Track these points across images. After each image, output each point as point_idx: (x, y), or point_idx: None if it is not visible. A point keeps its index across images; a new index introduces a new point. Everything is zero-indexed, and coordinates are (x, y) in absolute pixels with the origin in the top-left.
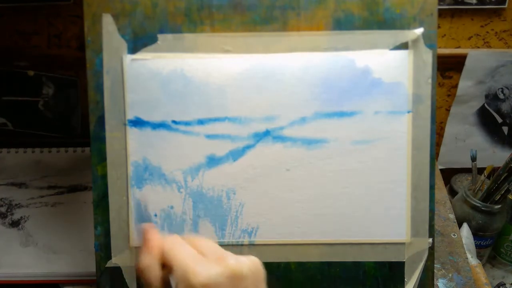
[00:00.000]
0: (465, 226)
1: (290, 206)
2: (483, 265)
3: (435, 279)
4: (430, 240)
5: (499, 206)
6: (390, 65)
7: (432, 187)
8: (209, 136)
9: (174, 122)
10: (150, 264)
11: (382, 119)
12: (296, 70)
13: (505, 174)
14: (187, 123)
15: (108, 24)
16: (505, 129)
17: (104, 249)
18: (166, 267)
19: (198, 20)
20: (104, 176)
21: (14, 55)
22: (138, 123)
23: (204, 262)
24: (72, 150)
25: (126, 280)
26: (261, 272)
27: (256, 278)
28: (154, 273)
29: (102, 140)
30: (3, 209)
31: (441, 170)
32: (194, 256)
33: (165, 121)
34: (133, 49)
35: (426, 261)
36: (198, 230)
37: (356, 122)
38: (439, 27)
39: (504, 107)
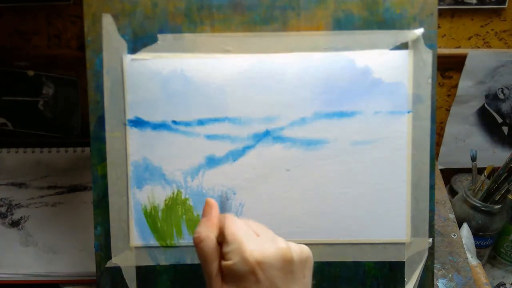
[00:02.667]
0: (465, 226)
1: (290, 206)
2: (483, 265)
3: (435, 279)
4: (430, 240)
5: (499, 206)
6: (390, 65)
7: (432, 187)
8: (209, 137)
9: (174, 122)
10: (208, 235)
11: (382, 119)
12: (296, 70)
13: (505, 174)
14: (187, 124)
15: (108, 24)
16: (505, 129)
17: (104, 249)
18: (222, 241)
19: (198, 20)
20: (104, 176)
21: (14, 55)
22: (138, 123)
23: (259, 240)
24: (72, 150)
25: (126, 280)
26: (310, 260)
27: (304, 265)
28: (211, 244)
29: (102, 140)
30: (3, 209)
31: (441, 170)
32: (250, 233)
33: (165, 121)
34: (133, 49)
35: (426, 261)
36: None
37: (356, 122)
38: (439, 27)
39: (504, 107)
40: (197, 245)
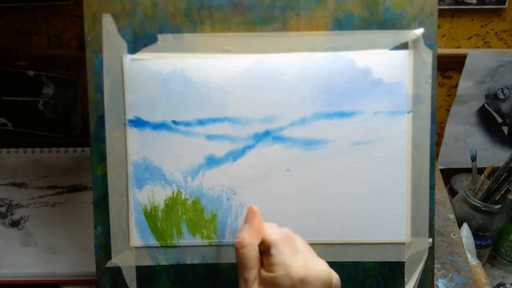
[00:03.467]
0: (465, 226)
1: (290, 206)
2: (483, 265)
3: (435, 279)
4: (430, 240)
5: (499, 206)
6: (390, 65)
7: (432, 187)
8: (209, 137)
9: (174, 122)
10: (251, 242)
11: (382, 119)
12: (296, 70)
13: (505, 174)
14: (187, 124)
15: (108, 24)
16: (505, 129)
17: (104, 249)
18: (264, 250)
19: (198, 20)
20: (104, 176)
21: (14, 55)
22: (138, 123)
23: (302, 257)
24: (72, 150)
25: (126, 280)
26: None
27: None
28: (253, 251)
29: (102, 140)
30: (3, 209)
31: (441, 170)
32: (294, 248)
33: (165, 121)
34: (133, 49)
35: (426, 261)
36: None
37: (356, 122)
38: (439, 27)
39: (504, 107)
40: (239, 250)
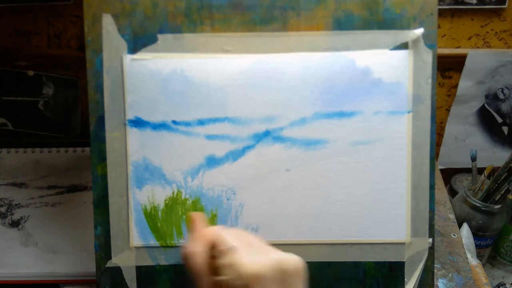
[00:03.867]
0: (465, 226)
1: (290, 206)
2: (483, 265)
3: (435, 279)
4: (430, 240)
5: (499, 206)
6: (390, 65)
7: (432, 187)
8: (209, 137)
9: (174, 122)
10: (196, 251)
11: (382, 119)
12: (296, 70)
13: (505, 174)
14: (187, 124)
15: (108, 24)
16: (505, 129)
17: (104, 249)
18: (213, 255)
19: (198, 20)
20: (104, 176)
21: (14, 55)
22: (138, 123)
23: (252, 252)
24: (72, 150)
25: (126, 280)
26: (302, 270)
27: (298, 275)
28: (199, 259)
29: (102, 140)
30: (3, 209)
31: (441, 170)
32: (242, 245)
33: (165, 121)
34: (133, 49)
35: (426, 261)
36: None
37: (356, 122)
38: (439, 27)
39: (504, 107)
40: (186, 261)
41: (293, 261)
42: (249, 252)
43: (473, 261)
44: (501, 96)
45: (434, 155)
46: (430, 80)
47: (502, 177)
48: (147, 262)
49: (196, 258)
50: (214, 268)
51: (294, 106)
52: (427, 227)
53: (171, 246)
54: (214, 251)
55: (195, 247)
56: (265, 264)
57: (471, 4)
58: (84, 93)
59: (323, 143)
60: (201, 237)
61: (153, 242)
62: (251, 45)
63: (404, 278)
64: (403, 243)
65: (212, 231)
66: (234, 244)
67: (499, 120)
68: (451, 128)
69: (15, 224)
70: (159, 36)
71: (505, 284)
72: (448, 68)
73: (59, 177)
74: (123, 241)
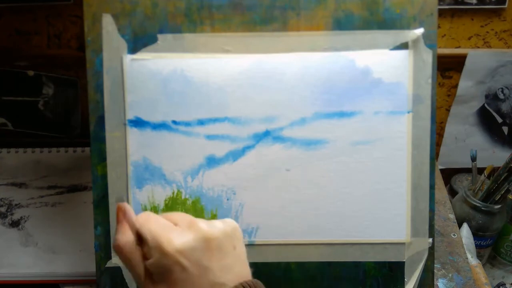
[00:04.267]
0: (465, 226)
1: (290, 206)
2: (483, 265)
3: (435, 279)
4: (430, 240)
5: (499, 206)
6: (390, 65)
7: (432, 187)
8: (209, 137)
9: (174, 122)
10: (126, 242)
11: (382, 119)
12: (296, 70)
13: (505, 174)
14: (187, 124)
15: (108, 24)
16: (505, 129)
17: (104, 249)
18: (141, 242)
19: (198, 20)
20: (104, 176)
21: (14, 55)
22: (138, 123)
23: (176, 229)
24: (72, 150)
25: (126, 280)
26: (236, 232)
27: (230, 238)
28: (130, 248)
29: (102, 140)
30: (3, 209)
31: (441, 170)
32: (166, 225)
33: (165, 121)
34: (133, 49)
35: (426, 261)
36: None
37: (356, 122)
38: (439, 27)
39: (504, 107)
40: (118, 253)
41: (221, 225)
42: (173, 230)
43: (473, 261)
44: (501, 96)
45: (434, 155)
46: (430, 80)
47: (502, 177)
48: None
49: (126, 249)
50: (143, 254)
51: (294, 106)
52: (427, 227)
53: None
54: (137, 240)
55: (123, 237)
56: (189, 237)
57: (471, 4)
58: (84, 93)
59: (323, 143)
60: (128, 226)
61: None
62: (251, 45)
63: (404, 278)
64: (403, 243)
65: (136, 218)
66: (157, 226)
67: (499, 120)
68: (451, 128)
69: (15, 224)
70: (159, 36)
71: (505, 284)
72: (448, 68)
73: (59, 177)
74: None
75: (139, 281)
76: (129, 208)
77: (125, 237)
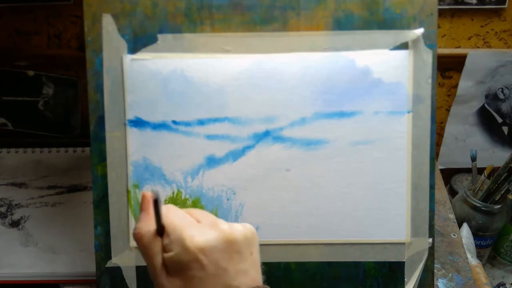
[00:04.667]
0: (465, 226)
1: (290, 206)
2: (483, 265)
3: (435, 279)
4: (430, 240)
5: (499, 206)
6: (390, 65)
7: (432, 187)
8: (209, 137)
9: (174, 122)
10: (148, 230)
11: (382, 119)
12: (296, 70)
13: (505, 174)
14: (187, 124)
15: (108, 24)
16: (505, 129)
17: (104, 249)
18: (162, 234)
19: (198, 20)
20: (104, 176)
21: (14, 55)
22: (138, 123)
23: (199, 226)
24: (72, 150)
25: (126, 280)
26: (255, 237)
27: (249, 243)
28: (151, 239)
29: (102, 140)
30: (3, 209)
31: (441, 170)
32: (190, 221)
33: (165, 121)
34: (133, 49)
35: (426, 261)
36: None
37: (356, 122)
38: (439, 27)
39: (504, 107)
40: (137, 241)
41: (242, 229)
42: (196, 227)
43: (473, 261)
44: (501, 96)
45: (434, 155)
46: (430, 80)
47: (502, 177)
48: None
49: (146, 238)
50: (163, 246)
51: (294, 106)
52: (427, 227)
53: None
54: (158, 231)
55: (146, 227)
56: (211, 236)
57: (471, 4)
58: (84, 93)
59: (323, 143)
60: (151, 217)
61: None
62: (251, 45)
63: (404, 278)
64: (403, 243)
65: (163, 211)
66: (181, 221)
67: (499, 120)
68: (451, 128)
69: (15, 224)
70: (159, 36)
71: (505, 284)
72: (448, 68)
73: (59, 177)
74: (123, 241)
75: (153, 271)
76: (153, 198)
77: (147, 226)
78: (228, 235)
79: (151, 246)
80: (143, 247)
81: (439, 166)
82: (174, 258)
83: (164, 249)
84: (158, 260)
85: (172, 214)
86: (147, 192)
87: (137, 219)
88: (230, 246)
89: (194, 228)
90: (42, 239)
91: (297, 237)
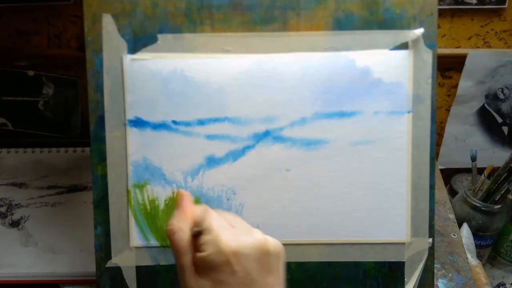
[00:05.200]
0: (465, 226)
1: (290, 206)
2: (483, 265)
3: (435, 279)
4: (430, 240)
5: (499, 206)
6: (390, 65)
7: (432, 187)
8: (209, 137)
9: (174, 122)
10: (181, 227)
11: (382, 119)
12: (296, 70)
13: (505, 174)
14: (187, 124)
15: (108, 24)
16: (505, 129)
17: (104, 249)
18: (197, 233)
19: (198, 20)
20: (104, 176)
21: (14, 55)
22: (138, 123)
23: (235, 231)
24: (72, 150)
25: (126, 280)
26: (283, 253)
27: (279, 257)
28: (184, 236)
29: (102, 140)
30: (3, 209)
31: (441, 170)
32: (226, 225)
33: (165, 121)
34: (133, 49)
35: (426, 261)
36: None
37: (356, 122)
38: (439, 27)
39: (504, 107)
40: (170, 237)
41: (274, 243)
42: (232, 231)
43: (473, 261)
44: (501, 96)
45: (434, 155)
46: (430, 80)
47: (502, 177)
48: (147, 262)
49: (179, 234)
50: (196, 245)
51: (294, 106)
52: (427, 227)
53: None
54: (196, 229)
55: (180, 223)
56: (246, 243)
57: (471, 4)
58: (84, 93)
59: (323, 143)
60: (186, 214)
61: (153, 242)
62: (251, 45)
63: (404, 278)
64: (403, 243)
65: (197, 209)
66: (218, 223)
67: (499, 120)
68: (451, 128)
69: (15, 224)
70: (159, 36)
71: (505, 284)
72: (448, 68)
73: (59, 177)
74: (123, 241)
75: (182, 270)
76: (189, 196)
77: (181, 223)
78: (263, 245)
79: (183, 243)
80: (174, 243)
81: (439, 166)
82: (207, 258)
83: (198, 249)
84: (187, 258)
85: (209, 215)
86: (183, 190)
87: (171, 216)
88: (263, 257)
89: (230, 232)
90: (42, 239)
91: (297, 237)
